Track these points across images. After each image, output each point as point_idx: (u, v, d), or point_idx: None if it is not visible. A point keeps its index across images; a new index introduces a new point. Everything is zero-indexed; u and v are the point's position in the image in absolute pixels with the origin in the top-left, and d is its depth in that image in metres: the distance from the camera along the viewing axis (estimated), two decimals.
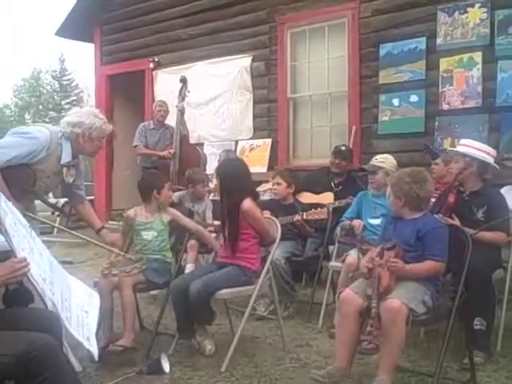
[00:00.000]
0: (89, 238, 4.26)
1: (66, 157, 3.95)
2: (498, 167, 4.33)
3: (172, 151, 7.50)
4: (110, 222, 10.15)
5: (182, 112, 7.73)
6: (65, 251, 7.78)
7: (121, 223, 8.24)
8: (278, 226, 4.30)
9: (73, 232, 4.32)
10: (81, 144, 3.99)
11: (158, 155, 7.71)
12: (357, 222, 4.90)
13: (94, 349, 2.93)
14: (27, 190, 3.84)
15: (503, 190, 4.88)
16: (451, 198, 4.22)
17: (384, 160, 5.12)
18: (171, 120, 8.03)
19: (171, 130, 7.88)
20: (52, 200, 9.04)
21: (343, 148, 6.50)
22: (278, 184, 5.59)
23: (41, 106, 48.00)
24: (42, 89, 49.02)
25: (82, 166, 4.33)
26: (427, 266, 3.36)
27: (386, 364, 3.20)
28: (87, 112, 4.08)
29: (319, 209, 5.26)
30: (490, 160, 4.28)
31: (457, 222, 4.03)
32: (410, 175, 3.59)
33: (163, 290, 4.48)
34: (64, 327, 2.87)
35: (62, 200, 10.28)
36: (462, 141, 4.53)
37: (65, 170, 4.02)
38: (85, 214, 4.44)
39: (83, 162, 4.48)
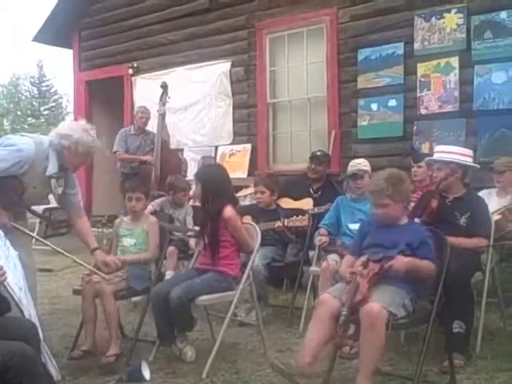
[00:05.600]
0: (63, 251, 4.19)
1: (52, 168, 3.87)
2: (478, 167, 4.37)
3: (153, 158, 7.50)
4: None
5: (163, 117, 7.73)
6: (44, 259, 7.68)
7: (100, 230, 8.24)
8: (259, 232, 4.31)
9: (48, 243, 4.24)
10: (66, 157, 3.91)
11: (141, 160, 7.69)
12: (322, 239, 4.96)
13: None
14: (14, 201, 3.79)
15: (481, 194, 4.93)
16: (434, 203, 4.22)
17: (366, 164, 5.18)
18: (152, 125, 8.01)
19: (152, 136, 7.88)
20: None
21: (319, 153, 6.53)
22: (262, 192, 5.59)
23: (19, 113, 47.61)
24: (20, 95, 48.65)
25: (72, 176, 4.16)
26: (429, 264, 3.36)
27: (365, 368, 3.19)
28: (78, 126, 4.01)
29: (300, 216, 5.27)
30: (472, 163, 4.31)
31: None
32: (400, 175, 3.60)
33: (144, 297, 4.47)
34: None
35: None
36: (439, 147, 4.54)
37: (53, 181, 3.94)
38: (81, 231, 4.25)
39: None
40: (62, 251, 4.12)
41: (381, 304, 3.15)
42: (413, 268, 3.32)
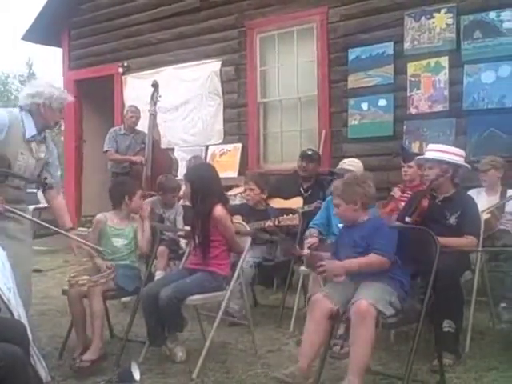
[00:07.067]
0: (70, 234, 4.15)
1: (31, 131, 3.84)
2: (469, 167, 4.39)
3: (144, 158, 7.46)
4: (80, 229, 10.04)
5: (154, 117, 7.70)
6: (34, 259, 7.64)
7: (90, 229, 8.17)
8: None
9: (47, 225, 4.16)
10: (42, 114, 3.87)
11: (131, 160, 7.65)
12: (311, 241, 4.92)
13: None
14: (3, 173, 3.74)
15: (470, 193, 4.95)
16: (425, 203, 4.23)
17: (352, 163, 5.18)
18: (142, 125, 7.98)
19: (142, 135, 7.83)
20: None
21: (309, 152, 6.54)
22: (251, 189, 5.58)
23: None
24: (10, 94, 48.41)
25: (52, 144, 4.11)
26: (371, 258, 3.41)
27: (355, 366, 3.20)
28: (44, 83, 3.99)
29: (291, 215, 5.27)
30: (464, 163, 4.33)
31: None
32: (355, 178, 3.71)
33: (134, 297, 4.45)
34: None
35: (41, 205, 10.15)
36: (432, 146, 4.53)
37: (33, 145, 3.89)
38: (58, 208, 4.20)
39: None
40: (58, 229, 4.09)
41: (368, 301, 3.17)
42: (352, 270, 3.44)
